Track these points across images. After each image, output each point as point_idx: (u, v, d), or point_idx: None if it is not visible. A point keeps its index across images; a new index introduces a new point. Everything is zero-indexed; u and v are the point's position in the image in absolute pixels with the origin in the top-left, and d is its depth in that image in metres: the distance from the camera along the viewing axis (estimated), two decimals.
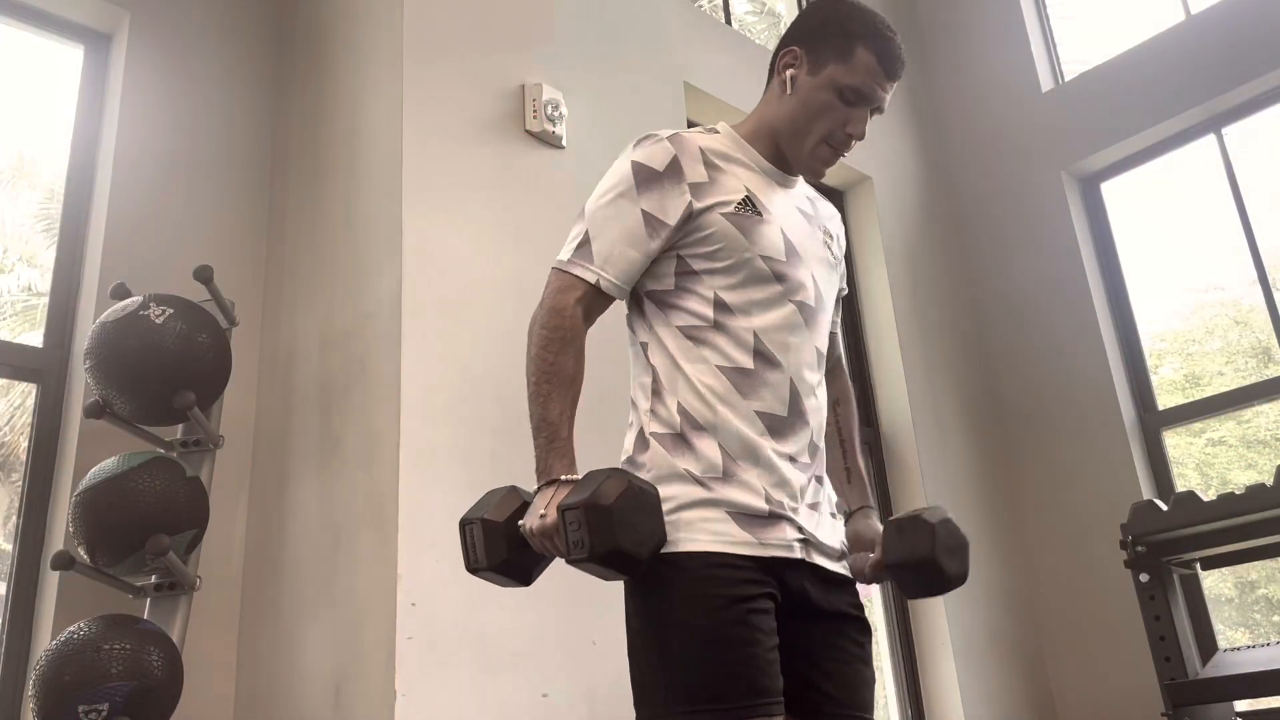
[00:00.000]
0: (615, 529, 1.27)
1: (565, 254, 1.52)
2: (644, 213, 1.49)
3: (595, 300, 1.50)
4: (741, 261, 1.49)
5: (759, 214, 1.53)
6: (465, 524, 1.42)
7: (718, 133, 1.61)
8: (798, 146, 1.57)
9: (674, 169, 1.51)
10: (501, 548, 1.39)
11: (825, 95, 1.54)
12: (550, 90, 2.89)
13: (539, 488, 1.40)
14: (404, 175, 2.54)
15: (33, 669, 2.10)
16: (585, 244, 1.50)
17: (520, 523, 1.39)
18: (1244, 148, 3.97)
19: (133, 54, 2.88)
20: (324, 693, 2.32)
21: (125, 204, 2.74)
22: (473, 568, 1.42)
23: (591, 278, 1.49)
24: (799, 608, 1.43)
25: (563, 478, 1.39)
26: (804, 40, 1.58)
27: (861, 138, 1.57)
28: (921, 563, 1.48)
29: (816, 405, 1.55)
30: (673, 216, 1.49)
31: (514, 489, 1.44)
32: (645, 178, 1.50)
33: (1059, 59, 4.56)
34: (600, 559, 1.28)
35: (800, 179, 1.66)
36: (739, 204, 1.52)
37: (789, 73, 1.58)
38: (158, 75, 2.92)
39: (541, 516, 1.36)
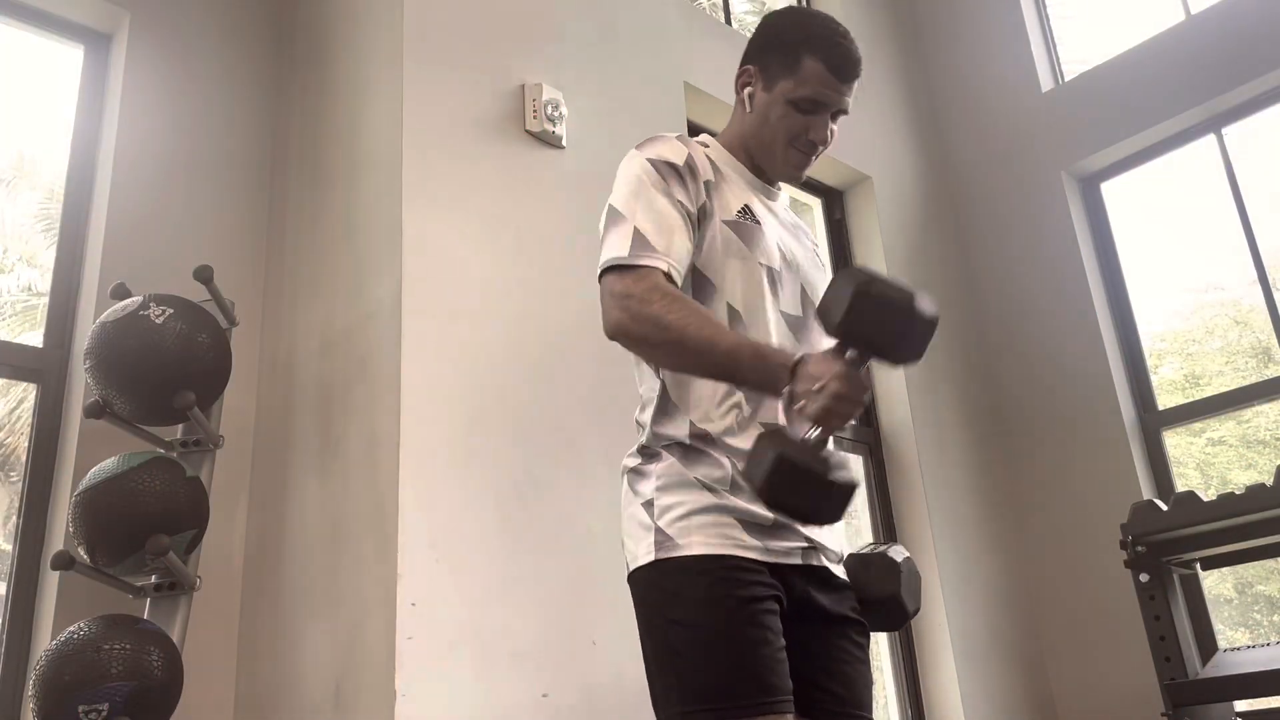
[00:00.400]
0: (891, 282, 1.25)
1: (621, 251, 1.44)
2: (679, 203, 1.50)
3: None
4: (745, 269, 1.52)
5: (757, 222, 1.56)
6: (775, 480, 1.21)
7: (708, 146, 1.65)
8: (767, 158, 1.62)
9: (690, 165, 1.54)
10: (823, 460, 1.22)
11: (780, 109, 1.58)
12: (550, 90, 2.89)
13: (785, 392, 1.28)
14: (404, 175, 2.54)
15: (33, 669, 2.10)
16: (640, 238, 1.45)
17: (804, 430, 1.23)
18: (1244, 148, 3.97)
19: (133, 54, 2.88)
20: (324, 693, 2.32)
21: (125, 204, 2.74)
22: (815, 504, 1.23)
23: (663, 265, 1.43)
24: (803, 611, 1.45)
25: (795, 357, 1.29)
26: (756, 58, 1.63)
27: (825, 142, 1.60)
28: (886, 601, 1.53)
29: None
30: (695, 208, 1.52)
31: (763, 438, 1.25)
32: (667, 172, 1.52)
33: (1059, 59, 4.56)
34: (909, 313, 1.24)
35: (783, 192, 1.71)
36: (739, 211, 1.55)
37: (746, 91, 1.64)
38: (158, 75, 2.92)
39: (820, 390, 1.23)
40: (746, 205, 1.56)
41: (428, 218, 2.55)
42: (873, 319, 1.24)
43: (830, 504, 1.24)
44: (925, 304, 1.26)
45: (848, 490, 1.24)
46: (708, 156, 1.59)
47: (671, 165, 1.52)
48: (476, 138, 2.73)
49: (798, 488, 1.21)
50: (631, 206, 1.49)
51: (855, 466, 3.87)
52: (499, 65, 2.87)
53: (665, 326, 1.37)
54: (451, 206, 2.61)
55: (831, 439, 1.30)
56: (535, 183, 2.82)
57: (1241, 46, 3.89)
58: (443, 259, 2.55)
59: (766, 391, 1.36)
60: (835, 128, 1.62)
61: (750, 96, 1.63)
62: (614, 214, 1.51)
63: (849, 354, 1.25)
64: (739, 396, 1.47)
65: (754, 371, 1.33)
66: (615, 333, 1.43)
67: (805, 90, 1.55)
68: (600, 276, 1.47)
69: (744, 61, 1.65)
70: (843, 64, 1.56)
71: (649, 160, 1.53)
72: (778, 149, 1.60)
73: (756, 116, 1.62)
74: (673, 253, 1.45)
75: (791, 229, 1.67)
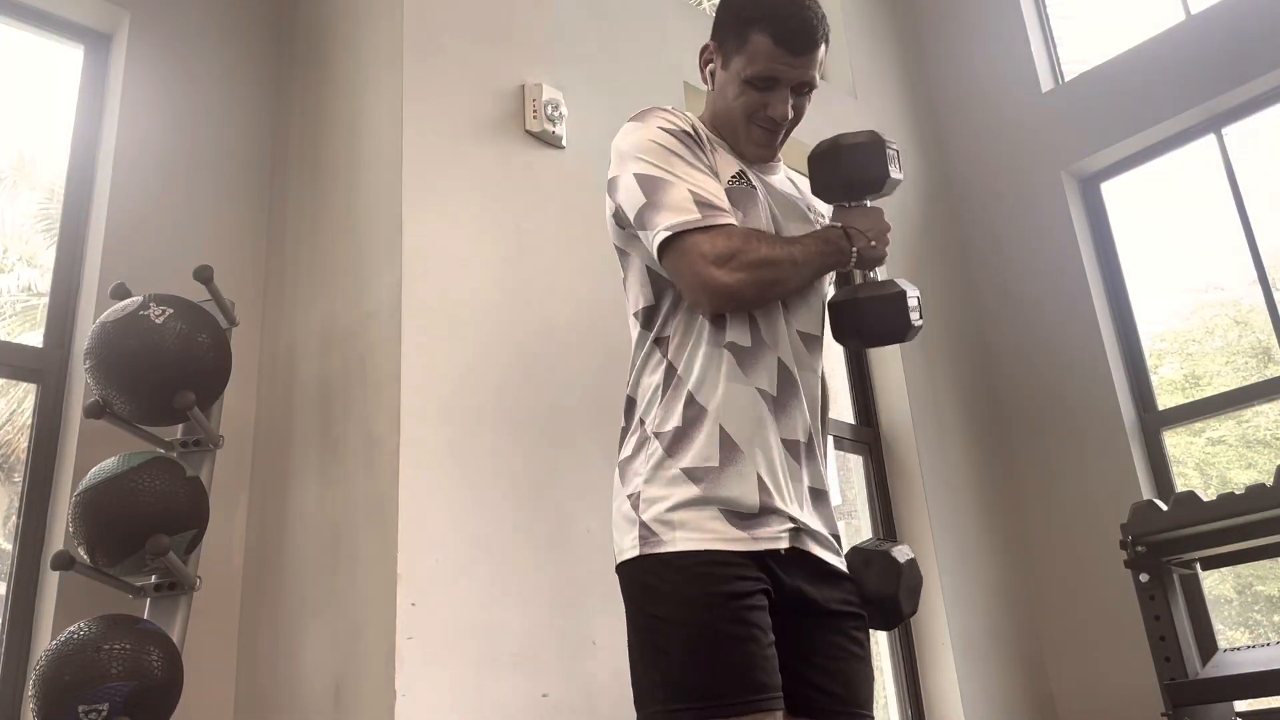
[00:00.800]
0: (879, 146, 1.60)
1: (691, 213, 1.44)
2: (709, 166, 1.52)
3: None
4: None
5: (752, 186, 1.56)
6: (913, 312, 1.60)
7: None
8: (733, 137, 1.61)
9: (697, 132, 1.55)
10: (886, 284, 1.61)
11: (736, 87, 1.56)
12: (550, 90, 2.89)
13: (852, 252, 1.55)
14: (404, 175, 2.54)
15: (33, 669, 2.10)
16: (701, 198, 1.45)
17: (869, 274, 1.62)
18: (1244, 148, 3.97)
19: (133, 54, 2.88)
20: (324, 693, 2.32)
21: (125, 204, 2.74)
22: (920, 311, 1.61)
23: (735, 221, 1.47)
24: (795, 605, 1.43)
25: (836, 229, 1.56)
26: (715, 35, 1.61)
27: (785, 118, 1.57)
28: (883, 601, 1.53)
29: (811, 383, 1.56)
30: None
31: (866, 293, 1.61)
32: (686, 140, 1.52)
33: (1059, 59, 4.56)
34: (850, 147, 1.61)
35: (780, 163, 1.70)
36: (733, 176, 1.55)
37: (708, 69, 1.63)
38: (158, 75, 2.92)
39: (875, 239, 1.56)
40: (742, 171, 1.57)
41: (428, 218, 2.55)
42: (832, 166, 1.60)
43: (895, 316, 1.59)
44: (853, 135, 1.61)
45: (899, 296, 1.59)
46: (703, 125, 1.61)
47: (686, 133, 1.53)
48: (476, 138, 2.73)
49: (882, 313, 1.58)
50: (672, 170, 1.47)
51: (856, 465, 3.88)
52: (499, 65, 2.87)
53: (780, 259, 1.46)
54: (451, 206, 2.61)
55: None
56: (535, 183, 2.82)
57: (1241, 46, 3.89)
58: (443, 259, 2.55)
59: (839, 265, 1.55)
60: (803, 100, 1.58)
61: (711, 75, 1.62)
62: (652, 180, 1.47)
63: (853, 204, 1.60)
64: (735, 365, 1.47)
65: (828, 258, 1.53)
66: (730, 298, 1.44)
67: (756, 67, 1.52)
68: (667, 244, 1.44)
69: (710, 38, 1.63)
70: (792, 36, 1.50)
71: (662, 129, 1.51)
72: (739, 126, 1.59)
73: (718, 95, 1.61)
74: (729, 206, 1.48)
75: (791, 198, 1.65)
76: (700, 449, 1.42)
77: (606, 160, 1.60)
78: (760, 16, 1.51)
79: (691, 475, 1.41)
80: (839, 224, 1.57)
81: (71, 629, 2.08)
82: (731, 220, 1.45)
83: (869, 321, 1.60)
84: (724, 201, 1.47)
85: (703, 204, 1.44)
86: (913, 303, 1.59)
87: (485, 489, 2.42)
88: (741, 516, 1.40)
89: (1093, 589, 3.78)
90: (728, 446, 1.42)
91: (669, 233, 1.43)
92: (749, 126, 1.58)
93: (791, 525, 1.44)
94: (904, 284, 1.60)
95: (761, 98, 1.54)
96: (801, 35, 1.51)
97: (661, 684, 1.34)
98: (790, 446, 1.48)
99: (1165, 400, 4.11)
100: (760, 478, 1.42)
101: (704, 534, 1.38)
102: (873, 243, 1.54)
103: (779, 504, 1.43)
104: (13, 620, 2.39)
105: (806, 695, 1.42)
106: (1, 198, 3.38)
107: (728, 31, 1.57)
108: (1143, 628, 2.81)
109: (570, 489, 2.56)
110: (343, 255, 2.71)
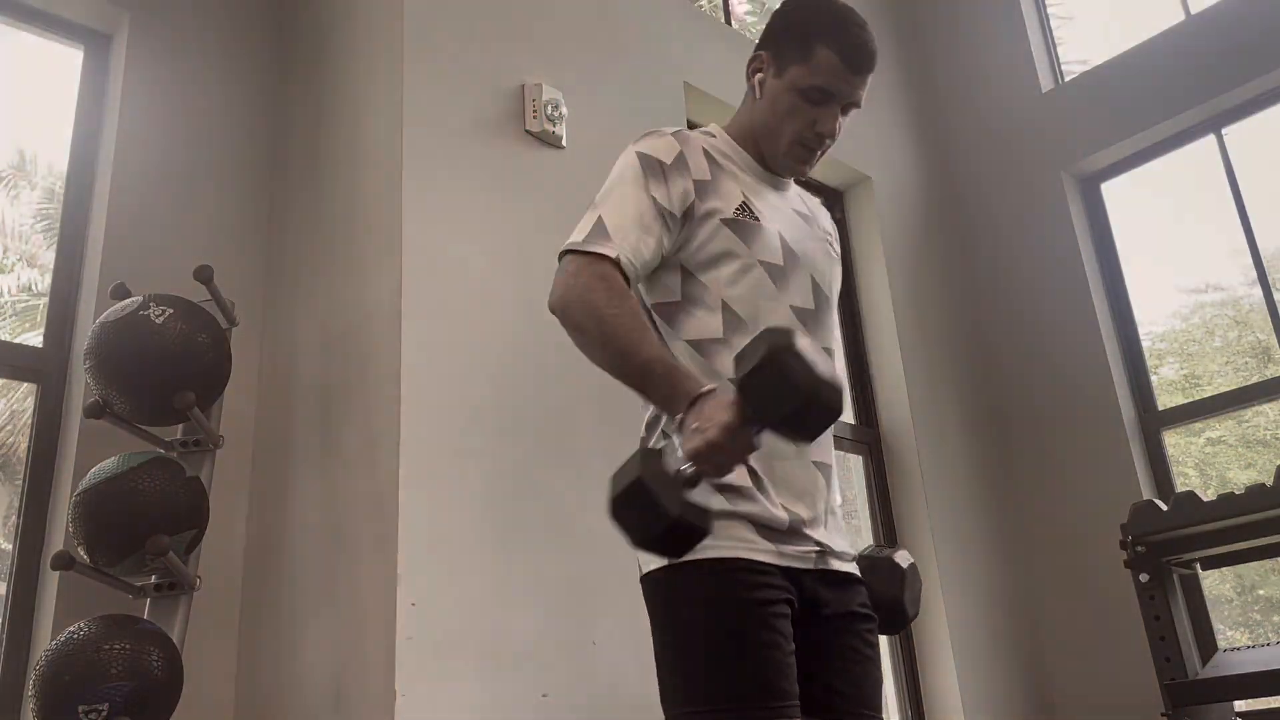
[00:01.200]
0: (806, 361, 1.16)
1: (578, 236, 1.46)
2: (653, 199, 1.49)
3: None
4: (743, 268, 1.50)
5: (756, 219, 1.54)
6: (623, 496, 1.17)
7: (714, 136, 1.63)
8: (773, 148, 1.60)
9: (680, 162, 1.53)
10: (676, 496, 1.17)
11: (790, 97, 1.55)
12: (550, 90, 2.89)
13: (680, 417, 1.26)
14: (404, 175, 2.54)
15: (33, 669, 2.10)
16: (599, 226, 1.46)
17: (681, 462, 1.21)
18: (1244, 148, 3.97)
19: (133, 54, 2.88)
20: (324, 693, 2.32)
21: (125, 204, 2.74)
22: (652, 533, 1.18)
23: (613, 253, 1.43)
24: (812, 611, 1.45)
25: (703, 390, 1.26)
26: (769, 44, 1.61)
27: (832, 135, 1.57)
28: (889, 604, 1.54)
29: None
30: (678, 207, 1.50)
31: (638, 453, 1.21)
32: (652, 168, 1.51)
33: (1059, 59, 4.56)
34: (812, 395, 1.16)
35: (792, 180, 1.68)
36: (737, 209, 1.53)
37: (757, 78, 1.61)
38: (158, 75, 2.92)
39: (700, 431, 1.20)
40: (744, 202, 1.54)
41: (428, 218, 2.55)
42: (773, 392, 1.17)
43: (664, 542, 1.20)
44: (832, 396, 1.18)
45: (690, 535, 1.18)
46: (708, 150, 1.57)
47: (659, 162, 1.51)
48: (476, 138, 2.74)
49: (639, 514, 1.17)
50: (605, 197, 1.50)
51: (856, 465, 3.88)
52: (499, 65, 2.87)
53: (600, 318, 1.37)
54: (451, 206, 2.62)
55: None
56: (535, 183, 2.82)
57: (1241, 46, 3.89)
58: (442, 259, 2.55)
59: (667, 411, 1.33)
60: (845, 121, 1.58)
61: (761, 83, 1.60)
62: (591, 204, 1.51)
63: (749, 410, 1.19)
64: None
65: (659, 389, 1.32)
66: (555, 309, 1.45)
67: (816, 79, 1.52)
68: (559, 260, 1.48)
69: (758, 47, 1.62)
70: (856, 54, 1.52)
71: (639, 154, 1.52)
72: (783, 139, 1.57)
73: (765, 104, 1.59)
74: (628, 244, 1.44)
75: (802, 219, 1.64)
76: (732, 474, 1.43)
77: (606, 160, 1.60)
78: (827, 31, 1.52)
79: (721, 491, 1.41)
80: (706, 389, 1.27)
81: (71, 629, 2.08)
82: (611, 253, 1.42)
83: (614, 483, 1.20)
84: (627, 235, 1.44)
85: (596, 230, 1.45)
86: (637, 531, 1.18)
87: (485, 488, 2.43)
88: (771, 530, 1.41)
89: (1093, 589, 3.78)
90: (759, 474, 1.43)
91: (559, 252, 1.48)
92: (792, 145, 1.57)
93: (817, 548, 1.46)
94: (679, 506, 1.16)
95: (813, 111, 1.54)
96: (864, 55, 1.53)
97: (684, 687, 1.35)
98: (823, 469, 1.51)
99: (1165, 400, 4.12)
100: (785, 504, 1.44)
101: (733, 542, 1.38)
102: (695, 428, 1.22)
103: (806, 528, 1.45)
104: (13, 620, 2.39)
105: (819, 697, 1.43)
106: (1, 198, 3.38)
107: (787, 42, 1.56)
108: (1143, 628, 2.81)
109: (570, 489, 2.56)
110: (342, 255, 2.71)
